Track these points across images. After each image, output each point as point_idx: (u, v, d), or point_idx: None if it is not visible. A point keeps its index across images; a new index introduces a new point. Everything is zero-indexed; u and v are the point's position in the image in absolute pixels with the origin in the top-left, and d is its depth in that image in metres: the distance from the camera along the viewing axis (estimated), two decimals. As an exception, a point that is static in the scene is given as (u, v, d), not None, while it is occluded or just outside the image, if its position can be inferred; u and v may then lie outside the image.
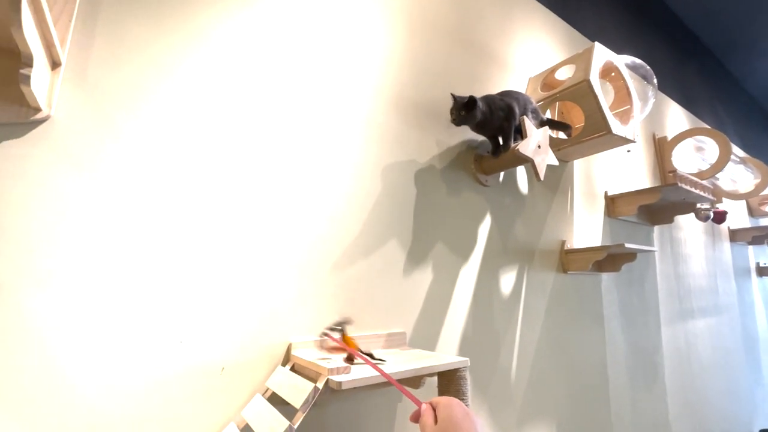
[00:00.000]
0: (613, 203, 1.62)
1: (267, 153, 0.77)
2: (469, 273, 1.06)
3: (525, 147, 0.99)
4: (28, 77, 0.50)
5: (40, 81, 0.55)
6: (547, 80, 1.37)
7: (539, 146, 1.03)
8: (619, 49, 1.39)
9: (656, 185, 1.87)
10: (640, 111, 1.31)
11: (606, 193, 1.62)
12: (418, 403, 0.48)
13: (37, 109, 0.57)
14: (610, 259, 1.40)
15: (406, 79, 1.04)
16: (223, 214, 0.71)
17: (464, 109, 0.96)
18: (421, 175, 1.01)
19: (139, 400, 0.59)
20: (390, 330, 0.87)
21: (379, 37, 1.01)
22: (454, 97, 0.99)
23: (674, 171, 1.91)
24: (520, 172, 1.28)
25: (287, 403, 0.58)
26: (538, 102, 1.29)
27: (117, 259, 0.60)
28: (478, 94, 1.02)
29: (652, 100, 1.31)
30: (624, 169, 1.76)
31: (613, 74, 1.29)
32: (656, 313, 1.74)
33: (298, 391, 0.57)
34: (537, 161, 1.00)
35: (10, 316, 0.52)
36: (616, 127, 1.18)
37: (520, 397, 1.11)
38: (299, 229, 0.78)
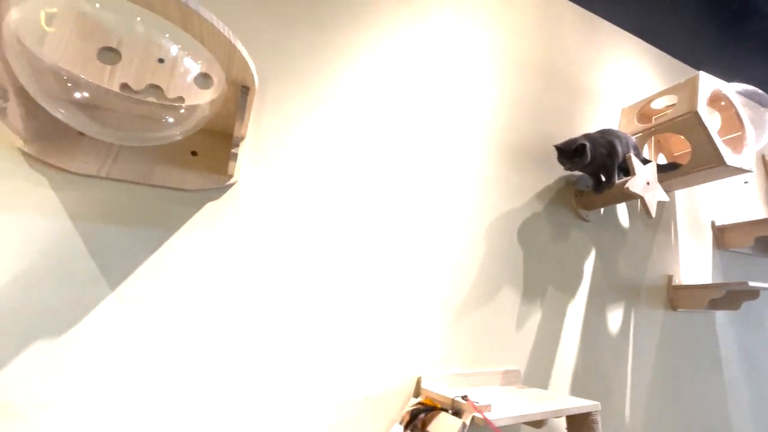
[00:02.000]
0: (722, 234, 1.51)
1: (404, 208, 0.86)
2: (576, 310, 1.06)
3: (634, 185, 0.99)
4: (236, 155, 0.64)
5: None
6: (643, 111, 1.35)
7: (648, 183, 1.02)
8: (710, 68, 1.33)
9: None
10: (756, 140, 1.23)
11: (713, 223, 1.52)
12: None
13: (230, 176, 0.71)
14: (727, 296, 1.30)
15: (507, 124, 1.10)
16: (372, 263, 0.80)
17: (576, 156, 0.99)
18: (527, 216, 1.05)
19: (303, 425, 0.68)
20: (505, 367, 0.89)
21: (487, 87, 1.08)
22: (559, 148, 1.02)
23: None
24: (620, 205, 1.26)
25: (432, 436, 0.64)
26: (636, 134, 1.28)
27: (283, 295, 0.71)
28: (573, 131, 1.05)
29: None
30: (732, 197, 1.63)
31: (722, 103, 1.24)
32: (783, 357, 1.55)
33: (447, 426, 0.62)
34: (647, 198, 0.99)
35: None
36: (729, 157, 1.13)
37: (635, 443, 1.05)
38: (429, 276, 0.85)
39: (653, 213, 0.99)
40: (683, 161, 1.35)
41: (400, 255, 0.84)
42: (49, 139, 0.60)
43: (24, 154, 0.59)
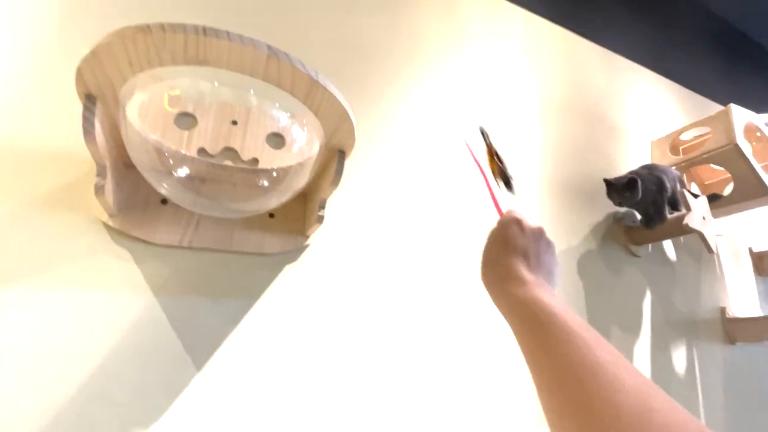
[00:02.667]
0: (761, 260, 1.49)
1: (467, 253, 0.84)
2: (642, 351, 1.02)
3: (693, 220, 0.98)
4: (322, 218, 0.62)
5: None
6: (674, 143, 1.37)
7: (704, 218, 1.01)
8: (717, 93, 1.37)
9: None
10: None
11: (750, 249, 1.51)
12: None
13: (307, 237, 0.69)
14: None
15: (553, 162, 1.10)
16: (434, 324, 0.77)
17: (628, 191, 0.99)
18: (582, 253, 1.03)
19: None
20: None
21: (532, 128, 1.09)
22: (610, 183, 1.02)
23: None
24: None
25: None
26: (673, 165, 1.28)
27: (369, 357, 0.67)
28: (612, 166, 1.05)
29: None
30: (764, 222, 1.64)
31: (758, 134, 1.26)
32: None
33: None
34: (706, 233, 0.98)
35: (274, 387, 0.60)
36: (775, 188, 1.13)
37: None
38: (494, 321, 0.82)
39: (714, 248, 0.98)
40: (717, 189, 1.36)
41: (466, 301, 0.81)
42: (132, 211, 0.58)
43: (107, 228, 0.57)
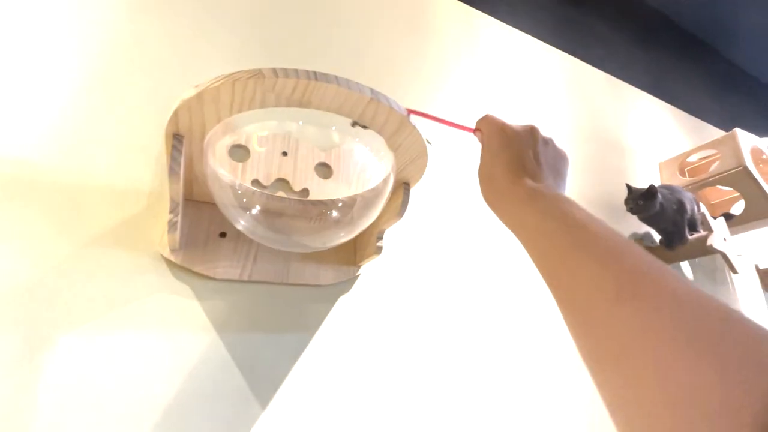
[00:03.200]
0: (767, 277, 1.54)
1: (510, 282, 0.85)
2: (672, 373, 1.02)
3: (716, 241, 1.01)
4: (381, 248, 0.62)
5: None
6: (681, 165, 1.42)
7: (724, 239, 1.04)
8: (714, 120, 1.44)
9: None
10: None
11: (757, 266, 1.55)
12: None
13: (358, 268, 0.69)
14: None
15: (575, 185, 1.13)
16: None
17: (642, 199, 1.01)
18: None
19: None
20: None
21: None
22: (629, 187, 1.05)
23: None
24: (680, 257, 1.28)
25: None
26: (683, 186, 1.33)
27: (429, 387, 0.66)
28: (622, 186, 1.08)
29: None
30: (756, 236, 1.69)
31: (763, 156, 1.32)
32: None
33: None
34: (729, 254, 1.01)
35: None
36: (785, 208, 1.18)
37: None
38: (537, 349, 0.82)
39: (737, 268, 1.01)
40: (724, 209, 1.41)
41: (519, 330, 0.81)
42: (192, 247, 0.57)
43: (169, 263, 0.56)
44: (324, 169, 0.73)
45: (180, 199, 0.48)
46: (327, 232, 0.52)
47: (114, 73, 0.63)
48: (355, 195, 0.52)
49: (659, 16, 2.00)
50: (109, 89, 0.62)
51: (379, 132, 0.44)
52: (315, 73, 0.36)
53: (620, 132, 1.42)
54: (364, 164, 0.54)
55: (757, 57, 2.45)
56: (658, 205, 1.02)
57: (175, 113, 0.39)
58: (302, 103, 0.39)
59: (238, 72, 0.35)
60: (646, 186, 1.02)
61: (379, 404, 0.62)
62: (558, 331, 0.86)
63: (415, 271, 0.75)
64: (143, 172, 0.59)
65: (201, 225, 0.59)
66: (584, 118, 1.33)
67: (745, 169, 1.18)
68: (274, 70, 0.35)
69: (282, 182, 0.68)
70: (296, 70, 0.35)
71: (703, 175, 1.30)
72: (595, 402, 0.79)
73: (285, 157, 0.70)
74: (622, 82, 1.58)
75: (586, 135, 1.29)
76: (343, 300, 0.66)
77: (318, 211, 0.52)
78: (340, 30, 0.91)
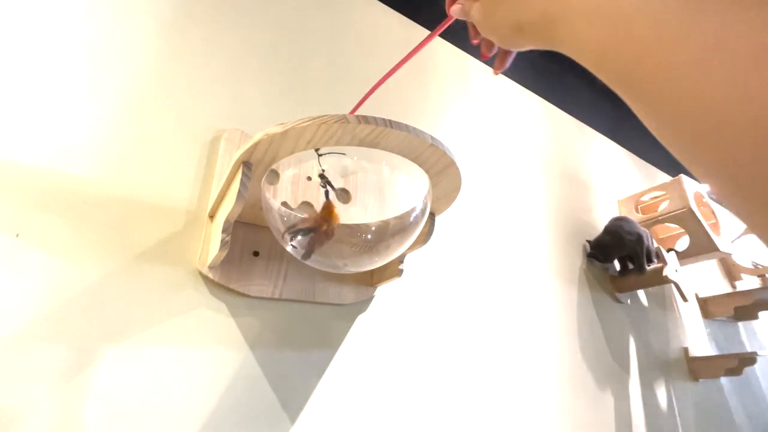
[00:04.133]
0: (706, 305, 1.75)
1: (501, 304, 0.93)
2: (627, 386, 1.14)
3: (669, 272, 1.15)
4: (402, 271, 0.67)
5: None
6: (636, 203, 1.61)
7: (676, 270, 1.19)
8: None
9: (753, 288, 1.90)
10: (731, 231, 1.52)
11: (697, 295, 1.76)
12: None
13: (374, 288, 0.73)
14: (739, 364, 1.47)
15: (553, 216, 1.25)
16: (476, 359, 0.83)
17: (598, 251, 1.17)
18: (576, 301, 1.16)
19: None
20: (606, 458, 0.93)
21: (536, 190, 1.24)
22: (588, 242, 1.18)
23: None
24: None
25: None
26: (639, 222, 1.50)
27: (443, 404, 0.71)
28: (592, 220, 1.22)
29: None
30: (701, 272, 1.92)
31: (704, 200, 1.53)
32: (770, 414, 1.74)
33: None
34: (681, 284, 1.16)
35: None
36: (721, 245, 1.37)
37: None
38: (523, 367, 0.90)
39: (688, 297, 1.15)
40: (670, 244, 1.60)
41: (528, 348, 0.88)
42: (228, 265, 0.59)
43: (206, 280, 0.58)
44: (344, 195, 0.78)
45: (233, 220, 0.51)
46: (364, 256, 0.57)
47: (158, 95, 0.65)
48: (388, 220, 0.58)
49: None
50: (153, 111, 0.64)
51: (428, 170, 0.50)
52: (391, 121, 0.42)
53: (585, 171, 1.59)
54: (400, 193, 0.60)
55: None
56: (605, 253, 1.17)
57: (255, 145, 0.44)
58: (372, 144, 0.44)
59: (325, 116, 0.41)
60: (599, 225, 1.17)
61: (396, 417, 0.66)
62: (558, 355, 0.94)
63: (426, 292, 0.81)
64: (183, 192, 0.61)
65: (236, 244, 0.61)
66: (555, 158, 1.48)
67: (690, 210, 1.37)
68: (358, 118, 0.41)
69: (307, 205, 0.72)
70: (375, 118, 0.41)
71: (654, 214, 1.48)
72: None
73: (309, 182, 0.74)
74: (587, 127, 1.77)
75: (557, 173, 1.43)
76: (361, 318, 0.70)
77: (357, 235, 0.57)
78: (350, 72, 0.98)
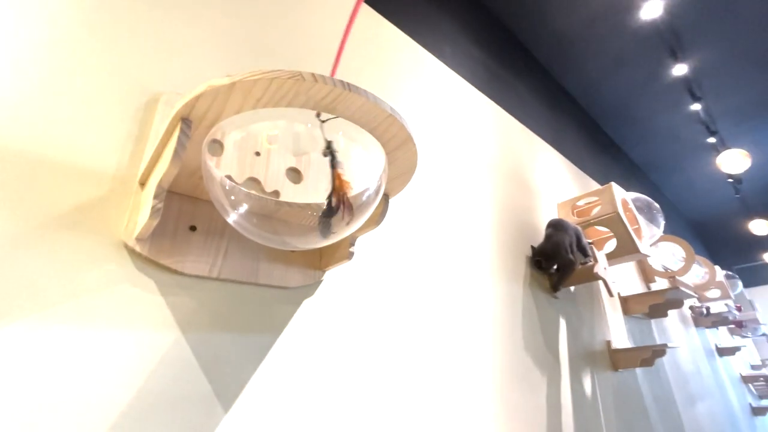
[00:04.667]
0: (626, 303, 1.92)
1: (439, 295, 0.93)
2: (560, 374, 1.22)
3: (600, 269, 1.25)
4: (353, 254, 0.65)
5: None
6: (572, 207, 1.72)
7: (605, 268, 1.29)
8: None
9: (665, 288, 2.11)
10: (650, 231, 1.69)
11: (619, 294, 1.93)
12: None
13: (323, 272, 0.70)
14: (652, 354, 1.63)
15: (499, 216, 1.30)
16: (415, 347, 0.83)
17: (544, 259, 1.24)
18: (519, 297, 1.21)
19: None
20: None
21: (483, 191, 1.28)
22: (533, 248, 1.23)
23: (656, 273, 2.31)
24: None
25: None
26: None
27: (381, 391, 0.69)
28: (531, 219, 1.29)
29: (662, 224, 1.70)
30: (618, 270, 2.11)
31: (630, 206, 1.67)
32: (673, 400, 1.96)
33: None
34: (609, 281, 1.26)
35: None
36: (643, 248, 1.51)
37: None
38: (459, 354, 0.91)
39: (614, 293, 1.25)
40: (601, 246, 1.74)
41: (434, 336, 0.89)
42: (160, 238, 0.53)
43: (132, 254, 0.51)
44: (294, 174, 0.74)
45: (167, 186, 0.46)
46: (311, 234, 0.54)
47: (90, 48, 0.57)
48: (303, 197, 0.55)
49: (563, 92, 2.47)
50: (82, 64, 0.56)
51: (385, 144, 0.49)
52: (349, 84, 0.40)
53: (529, 174, 1.68)
54: (354, 170, 0.58)
55: (625, 134, 3.17)
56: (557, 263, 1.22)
57: (197, 98, 0.39)
58: (328, 109, 0.42)
59: (278, 70, 0.37)
60: (542, 224, 1.23)
61: (339, 404, 0.63)
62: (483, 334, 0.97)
63: (375, 279, 0.79)
64: (110, 155, 0.54)
65: (170, 216, 0.55)
66: (503, 158, 1.54)
67: (618, 215, 1.50)
68: (314, 76, 0.38)
69: (253, 182, 0.67)
70: (333, 79, 0.39)
71: (587, 217, 1.60)
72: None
73: (257, 158, 0.69)
74: (533, 134, 1.87)
75: (504, 173, 1.49)
76: (307, 304, 0.67)
77: (307, 213, 0.54)
78: (309, 37, 0.94)
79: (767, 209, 4.46)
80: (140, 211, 0.51)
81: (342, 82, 0.39)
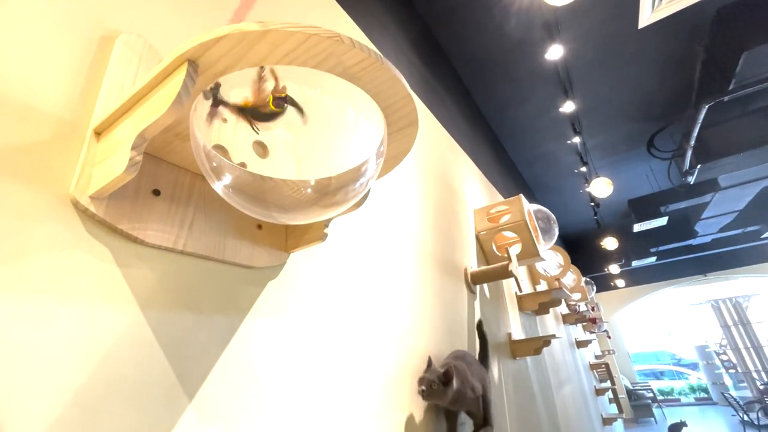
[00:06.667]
0: (521, 301, 2.20)
1: (383, 285, 0.96)
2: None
3: (513, 267, 1.41)
4: (326, 235, 0.63)
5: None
6: (486, 214, 1.92)
7: (516, 267, 1.47)
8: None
9: (550, 289, 2.45)
10: (546, 240, 1.97)
11: (516, 293, 2.20)
12: None
13: (288, 254, 0.67)
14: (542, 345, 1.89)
15: (431, 220, 1.38)
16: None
17: (438, 381, 0.83)
18: (446, 291, 1.31)
19: None
20: (462, 422, 1.06)
21: (412, 192, 1.35)
22: (430, 361, 0.90)
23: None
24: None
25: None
26: (490, 229, 1.80)
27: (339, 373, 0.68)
28: (456, 222, 1.42)
29: (556, 233, 1.99)
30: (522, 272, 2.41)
31: (532, 215, 1.92)
32: (549, 384, 2.30)
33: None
34: (519, 278, 1.44)
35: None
36: (542, 252, 1.76)
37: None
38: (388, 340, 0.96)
39: (522, 288, 1.43)
40: (503, 251, 1.97)
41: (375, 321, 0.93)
42: (119, 199, 0.45)
43: (84, 214, 0.42)
44: (259, 148, 0.69)
45: (151, 136, 0.40)
46: (306, 208, 0.51)
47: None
48: (330, 177, 0.54)
49: (478, 110, 2.73)
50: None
51: (390, 124, 0.49)
52: (382, 57, 0.40)
53: (452, 180, 1.82)
54: (349, 146, 0.56)
55: (520, 155, 3.64)
56: (451, 395, 0.84)
57: (216, 40, 0.35)
58: (354, 78, 0.41)
59: (316, 27, 0.36)
60: (465, 228, 1.36)
61: (300, 390, 0.61)
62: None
63: (337, 262, 0.78)
64: (53, 95, 0.44)
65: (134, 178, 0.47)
66: (432, 163, 1.65)
67: (525, 222, 1.72)
68: (352, 40, 0.37)
69: (221, 149, 0.61)
70: (369, 48, 0.39)
71: (498, 224, 1.80)
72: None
73: (225, 124, 0.63)
74: (456, 144, 2.03)
75: (434, 176, 1.60)
76: (271, 286, 0.63)
77: (297, 188, 0.51)
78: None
79: (617, 229, 5.56)
80: (99, 165, 0.43)
81: (376, 52, 0.39)
